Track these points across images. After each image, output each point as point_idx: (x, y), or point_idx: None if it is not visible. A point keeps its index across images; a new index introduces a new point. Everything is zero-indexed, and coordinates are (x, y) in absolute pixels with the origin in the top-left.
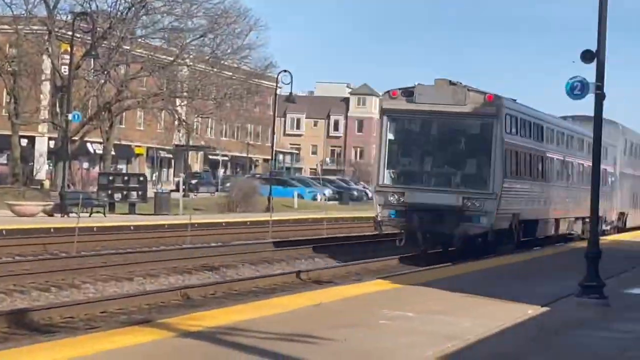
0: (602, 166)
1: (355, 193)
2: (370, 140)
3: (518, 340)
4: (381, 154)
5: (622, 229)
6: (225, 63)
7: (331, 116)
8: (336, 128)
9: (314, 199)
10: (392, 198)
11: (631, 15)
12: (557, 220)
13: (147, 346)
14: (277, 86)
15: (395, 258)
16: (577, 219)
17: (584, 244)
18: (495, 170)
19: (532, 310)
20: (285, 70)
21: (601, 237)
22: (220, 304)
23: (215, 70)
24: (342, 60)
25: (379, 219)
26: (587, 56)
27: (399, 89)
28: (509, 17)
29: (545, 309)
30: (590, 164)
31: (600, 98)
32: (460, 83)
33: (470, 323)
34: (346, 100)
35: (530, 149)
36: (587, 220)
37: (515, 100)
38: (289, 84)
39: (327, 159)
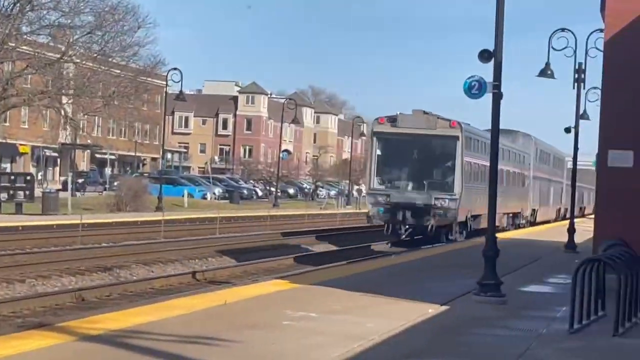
0: (520, 170)
1: (245, 192)
2: (259, 138)
3: (421, 340)
4: (372, 165)
5: (533, 222)
6: (114, 61)
7: (220, 115)
8: (225, 126)
9: (204, 197)
10: (380, 198)
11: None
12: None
13: (48, 351)
14: (166, 84)
15: (290, 257)
16: (504, 214)
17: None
18: (457, 177)
19: (432, 310)
20: (175, 68)
21: (506, 232)
22: (116, 306)
23: (103, 68)
24: (231, 59)
25: (370, 214)
26: (484, 55)
27: (385, 116)
28: (401, 18)
29: (445, 307)
30: (514, 170)
31: (497, 97)
32: (432, 113)
33: (374, 323)
34: (235, 99)
35: (478, 160)
36: (511, 214)
37: (469, 124)
38: (179, 82)
39: (216, 158)
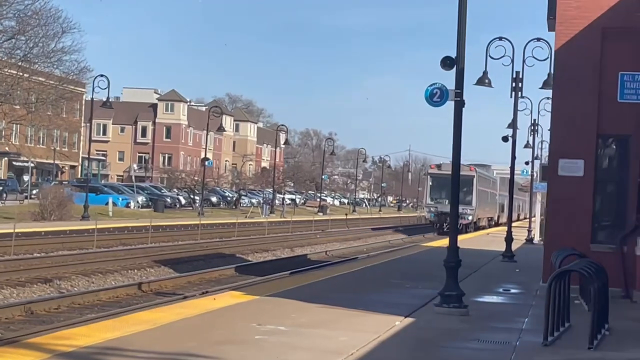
0: (493, 191)
1: (169, 200)
2: (178, 146)
3: (401, 353)
4: (426, 191)
5: (496, 223)
6: (38, 67)
7: (139, 122)
8: (144, 134)
9: (127, 206)
10: (432, 209)
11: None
12: (484, 218)
13: None
14: (93, 91)
15: (231, 268)
16: (487, 218)
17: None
18: (474, 198)
19: (399, 322)
20: (102, 75)
21: (466, 234)
22: (68, 319)
23: (26, 75)
24: (150, 66)
25: (426, 217)
26: (446, 63)
27: (435, 164)
28: (320, 27)
29: (410, 319)
30: (491, 191)
31: (459, 105)
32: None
33: (346, 336)
34: (154, 107)
35: (485, 189)
36: (490, 219)
37: (477, 166)
38: (105, 88)
39: (135, 166)
